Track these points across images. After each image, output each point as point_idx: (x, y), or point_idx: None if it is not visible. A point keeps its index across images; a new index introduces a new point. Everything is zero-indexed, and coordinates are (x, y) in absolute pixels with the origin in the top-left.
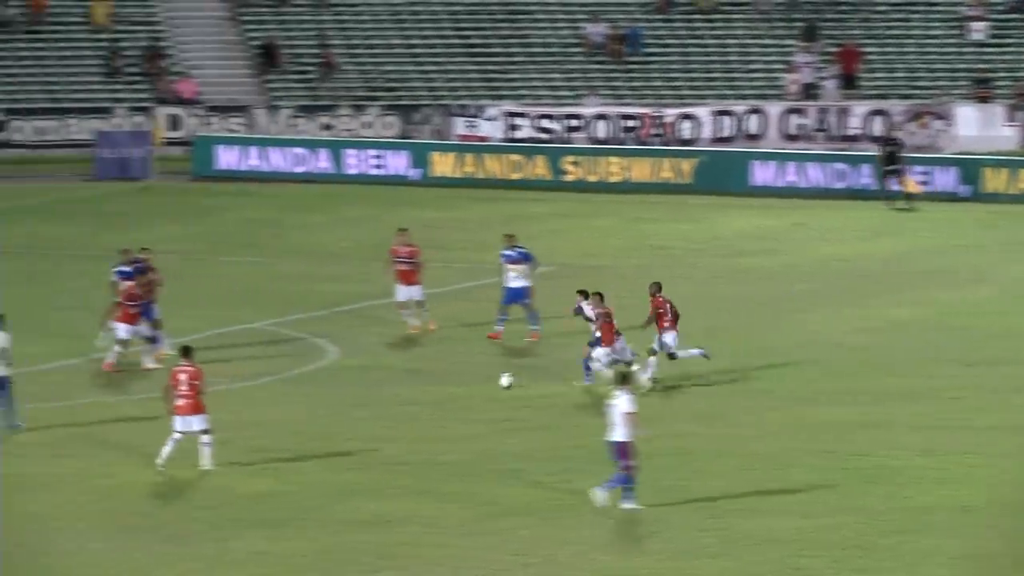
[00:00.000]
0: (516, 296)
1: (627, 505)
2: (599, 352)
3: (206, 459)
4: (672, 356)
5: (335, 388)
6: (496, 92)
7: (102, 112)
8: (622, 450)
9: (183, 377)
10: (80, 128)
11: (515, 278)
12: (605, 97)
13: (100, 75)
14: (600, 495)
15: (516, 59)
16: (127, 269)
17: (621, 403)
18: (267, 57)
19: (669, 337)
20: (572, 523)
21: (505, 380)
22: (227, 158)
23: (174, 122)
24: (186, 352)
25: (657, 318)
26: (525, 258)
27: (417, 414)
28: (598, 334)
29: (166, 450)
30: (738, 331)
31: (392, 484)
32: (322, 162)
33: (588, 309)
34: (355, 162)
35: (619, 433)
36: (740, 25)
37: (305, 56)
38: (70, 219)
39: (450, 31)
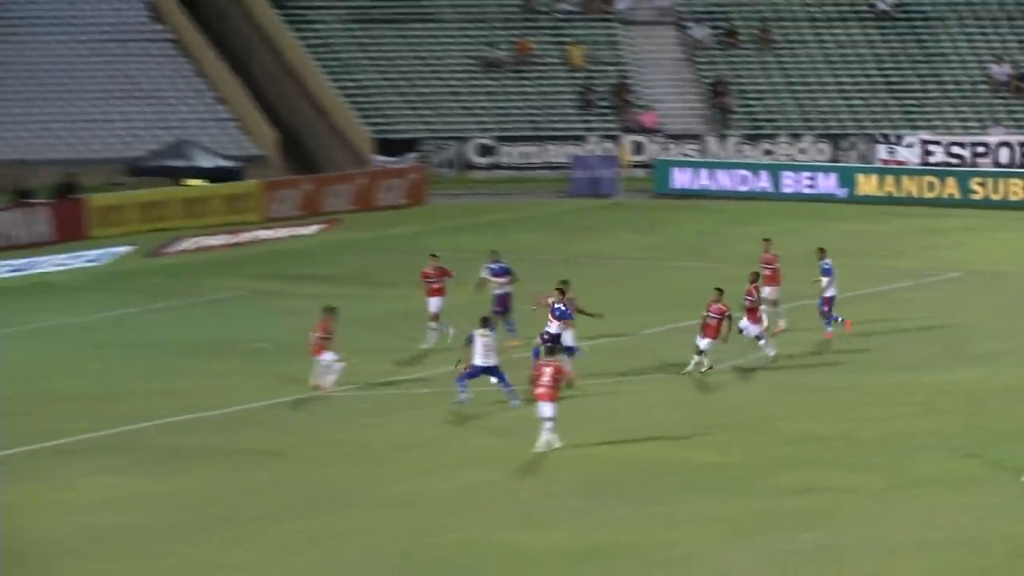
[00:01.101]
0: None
1: None
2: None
3: (542, 443)
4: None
5: (770, 375)
6: (913, 123)
7: (577, 139)
8: None
9: (548, 371)
10: (558, 152)
11: (827, 287)
12: (1008, 128)
13: (575, 107)
14: None
15: (931, 95)
16: (495, 267)
17: None
18: (717, 92)
19: (752, 327)
20: (977, 492)
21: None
22: (682, 179)
23: (638, 148)
24: (552, 351)
25: (750, 309)
26: (828, 272)
27: (838, 398)
28: (552, 329)
29: (543, 438)
30: None
31: (818, 458)
32: (762, 182)
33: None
34: (791, 182)
35: None
36: None
37: (750, 92)
38: (548, 229)
39: (874, 70)
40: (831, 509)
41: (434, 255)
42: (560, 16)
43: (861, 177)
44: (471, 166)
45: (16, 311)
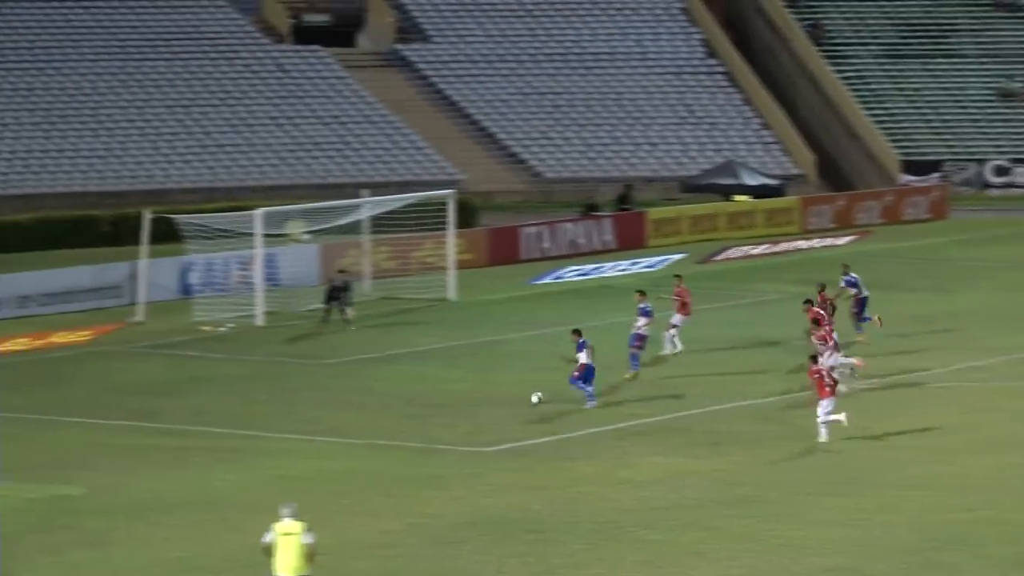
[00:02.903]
0: None
1: None
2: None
3: (823, 435)
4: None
5: None
6: None
7: None
8: None
9: (823, 371)
10: None
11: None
12: None
13: None
14: None
15: None
16: (848, 279)
17: None
18: None
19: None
20: None
21: (535, 398)
22: None
23: None
24: (814, 359)
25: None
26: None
27: None
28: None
29: (823, 431)
30: None
31: None
32: None
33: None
34: None
35: None
36: None
37: None
38: None
39: None
40: None
41: (677, 275)
42: None
43: None
44: (988, 185)
45: (583, 310)
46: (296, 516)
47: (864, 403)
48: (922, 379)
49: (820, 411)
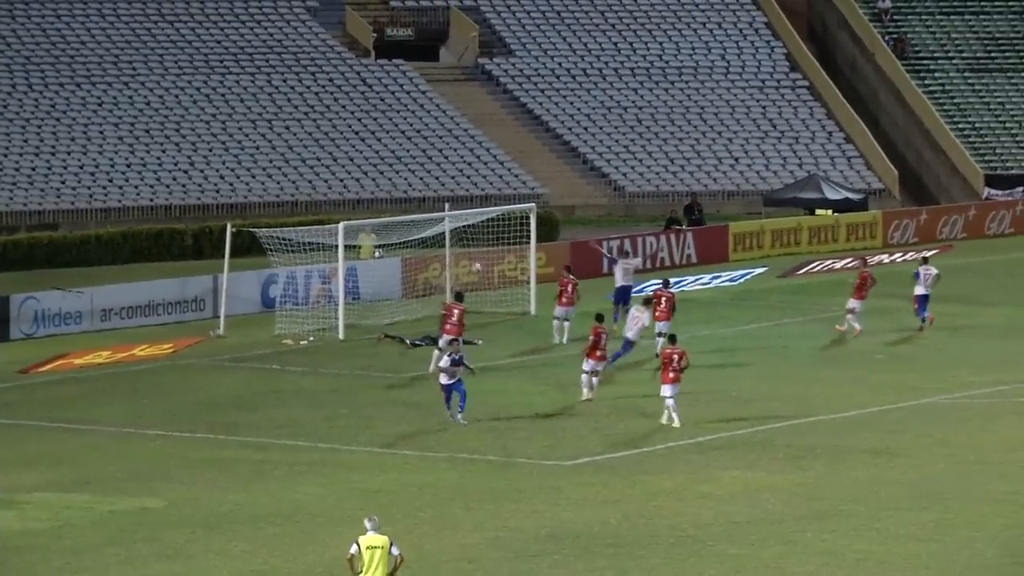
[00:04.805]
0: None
1: None
2: None
3: (675, 419)
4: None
5: None
6: None
7: None
8: None
9: (675, 356)
10: None
11: (919, 287)
12: None
13: None
14: None
15: None
16: None
17: None
18: None
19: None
20: None
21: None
22: None
23: None
24: (673, 339)
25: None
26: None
27: None
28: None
29: (666, 415)
30: None
31: None
32: None
33: None
34: None
35: None
36: None
37: None
38: None
39: None
40: None
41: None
42: None
43: None
44: None
45: None
46: (378, 529)
47: (947, 416)
48: (1006, 394)
49: (664, 392)
